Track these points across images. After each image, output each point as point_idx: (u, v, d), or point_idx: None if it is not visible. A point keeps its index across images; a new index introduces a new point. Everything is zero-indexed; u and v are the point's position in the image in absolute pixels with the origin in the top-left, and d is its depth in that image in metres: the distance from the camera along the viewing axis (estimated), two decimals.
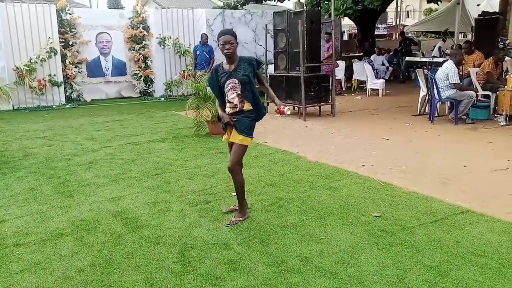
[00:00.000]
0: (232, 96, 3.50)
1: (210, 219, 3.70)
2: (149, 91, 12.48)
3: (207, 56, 10.85)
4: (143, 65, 12.27)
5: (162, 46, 12.28)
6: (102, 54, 12.11)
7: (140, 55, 12.19)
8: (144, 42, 12.19)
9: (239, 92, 3.49)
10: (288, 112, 3.36)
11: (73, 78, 11.45)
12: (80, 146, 6.61)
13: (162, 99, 12.22)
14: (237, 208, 3.73)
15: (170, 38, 12.29)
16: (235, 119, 3.54)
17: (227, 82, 3.50)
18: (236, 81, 3.48)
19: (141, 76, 12.31)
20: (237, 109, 3.52)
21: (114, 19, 12.24)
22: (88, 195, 4.40)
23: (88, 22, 11.74)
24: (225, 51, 3.43)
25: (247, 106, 3.53)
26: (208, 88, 8.19)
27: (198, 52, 10.83)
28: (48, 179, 4.97)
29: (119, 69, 12.39)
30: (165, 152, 6.09)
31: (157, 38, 12.25)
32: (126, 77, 12.48)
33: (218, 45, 3.50)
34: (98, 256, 3.10)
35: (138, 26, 12.14)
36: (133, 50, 12.23)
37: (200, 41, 11.01)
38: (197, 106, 6.91)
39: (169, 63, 12.42)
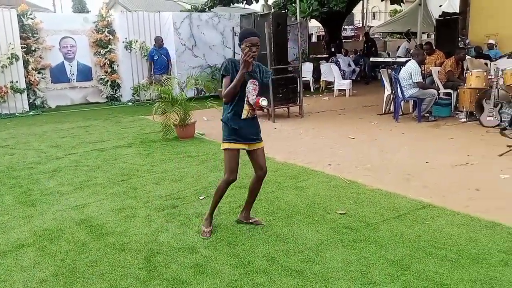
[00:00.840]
0: (252, 97, 3.19)
1: (177, 224, 3.68)
2: (116, 96, 12.27)
3: (166, 58, 10.76)
4: (109, 70, 12.05)
5: (129, 50, 12.11)
6: (66, 59, 11.83)
7: (106, 60, 11.97)
8: (110, 46, 11.98)
9: (257, 94, 3.24)
10: (264, 103, 3.16)
11: (37, 85, 11.12)
12: (43, 154, 6.44)
13: (130, 103, 12.04)
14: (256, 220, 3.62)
15: (137, 42, 12.12)
16: (252, 124, 3.32)
17: (249, 81, 3.20)
18: (257, 83, 3.26)
19: (107, 81, 12.09)
20: (255, 113, 3.30)
21: (78, 23, 11.97)
22: (52, 204, 4.30)
23: (51, 26, 11.44)
24: (252, 54, 3.08)
25: (258, 98, 3.22)
26: (177, 90, 8.18)
27: (156, 57, 10.61)
28: (9, 188, 4.82)
29: (85, 74, 12.13)
30: (132, 157, 6.01)
31: (123, 42, 12.07)
32: (92, 82, 12.22)
33: (239, 45, 3.17)
34: (61, 266, 3.03)
35: (104, 30, 11.92)
36: (99, 55, 12.00)
37: (155, 45, 10.75)
38: (164, 110, 6.85)
39: (136, 67, 12.25)
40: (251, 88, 3.20)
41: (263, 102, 3.14)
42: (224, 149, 3.29)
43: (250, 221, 3.59)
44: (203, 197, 4.28)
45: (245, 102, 3.21)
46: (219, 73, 3.29)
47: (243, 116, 3.24)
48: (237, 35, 9.85)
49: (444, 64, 8.71)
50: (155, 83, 9.43)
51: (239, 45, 3.19)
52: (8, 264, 3.09)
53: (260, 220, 3.61)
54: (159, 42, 10.72)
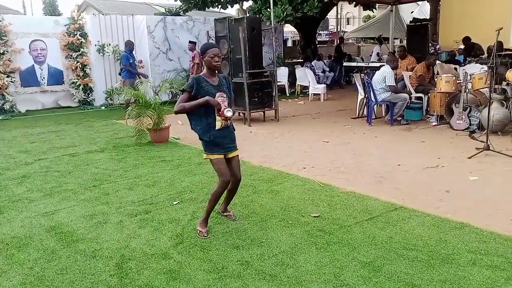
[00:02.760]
0: (224, 107, 3.34)
1: (150, 229, 3.62)
2: (88, 100, 12.05)
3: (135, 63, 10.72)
4: (81, 73, 11.82)
5: (102, 54, 11.93)
6: (36, 62, 11.55)
7: (78, 63, 11.75)
8: (82, 49, 11.77)
9: (226, 105, 3.37)
10: (229, 114, 3.38)
11: (5, 88, 10.80)
12: (12, 159, 6.25)
13: (103, 108, 11.85)
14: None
15: (110, 45, 11.96)
16: (226, 134, 3.47)
17: (217, 95, 3.34)
18: (224, 96, 3.40)
19: (79, 84, 11.86)
20: (228, 123, 3.44)
21: (49, 26, 11.72)
22: (20, 210, 4.17)
23: (21, 29, 11.16)
24: (215, 63, 3.32)
25: (224, 108, 3.35)
26: (151, 94, 8.09)
27: (131, 60, 10.38)
28: None
29: (56, 78, 11.86)
30: (104, 162, 5.90)
31: (95, 45, 11.88)
32: (64, 86, 11.97)
33: (203, 58, 3.37)
34: (30, 274, 2.94)
35: (75, 33, 11.71)
36: (71, 58, 11.77)
37: (128, 48, 10.47)
38: (137, 114, 6.75)
39: (109, 71, 12.08)
40: (220, 100, 3.34)
41: (228, 113, 3.32)
42: (209, 159, 3.47)
43: (225, 213, 3.84)
44: (176, 202, 4.23)
45: (217, 113, 3.35)
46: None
47: (217, 127, 3.39)
48: (212, 39, 9.88)
49: (416, 69, 8.91)
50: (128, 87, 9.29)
51: (202, 59, 3.42)
52: None
53: (233, 215, 3.82)
54: (131, 46, 10.56)
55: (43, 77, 11.69)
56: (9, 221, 3.91)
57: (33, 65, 11.50)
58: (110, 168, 5.60)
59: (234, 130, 3.60)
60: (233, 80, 8.73)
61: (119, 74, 10.68)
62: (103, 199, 4.39)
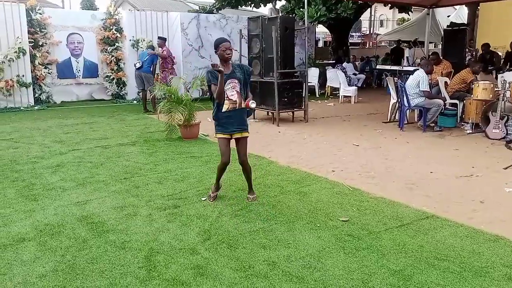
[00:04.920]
0: (232, 93, 3.87)
1: (178, 224, 3.66)
2: (121, 94, 12.29)
3: None
4: (115, 67, 12.07)
5: (136, 49, 12.13)
6: (73, 55, 11.87)
7: (113, 57, 12.00)
8: (117, 44, 12.01)
9: (238, 90, 3.89)
10: (253, 105, 3.82)
11: (43, 79, 11.15)
12: (47, 148, 6.44)
13: (135, 102, 12.05)
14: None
15: (144, 40, 12.16)
16: (233, 116, 3.92)
17: (228, 82, 3.82)
18: (236, 81, 3.88)
19: (113, 78, 12.12)
20: (237, 106, 3.89)
21: (86, 20, 12.02)
22: (54, 199, 4.29)
23: (59, 22, 11.49)
24: (227, 55, 3.81)
25: (244, 105, 3.90)
26: (182, 90, 8.21)
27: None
28: (12, 182, 4.82)
29: (91, 71, 12.16)
30: (135, 155, 6.01)
31: (130, 40, 12.10)
32: (98, 79, 12.26)
33: (216, 51, 3.84)
34: (61, 261, 3.02)
35: (111, 27, 11.96)
36: (106, 52, 12.03)
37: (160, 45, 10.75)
38: (169, 109, 6.85)
39: None
40: (230, 87, 3.85)
41: (252, 104, 3.85)
42: (217, 138, 4.03)
43: (248, 194, 4.25)
44: (205, 198, 4.26)
45: (225, 98, 3.84)
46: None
47: (224, 109, 3.89)
48: (244, 38, 9.90)
49: (463, 77, 8.50)
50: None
51: (215, 52, 3.87)
52: (9, 257, 3.08)
53: (252, 198, 4.19)
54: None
55: (79, 70, 12.00)
56: (43, 208, 4.03)
57: (70, 57, 11.82)
58: (140, 161, 5.69)
59: (248, 111, 4.07)
60: (263, 79, 8.77)
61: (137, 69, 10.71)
62: (134, 192, 4.47)
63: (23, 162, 5.64)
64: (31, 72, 10.89)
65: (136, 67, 10.24)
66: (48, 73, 11.33)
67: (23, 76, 10.70)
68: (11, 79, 10.51)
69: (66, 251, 3.18)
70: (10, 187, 4.63)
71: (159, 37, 11.28)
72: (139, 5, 25.27)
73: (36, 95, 11.13)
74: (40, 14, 11.08)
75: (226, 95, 3.83)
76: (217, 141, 4.14)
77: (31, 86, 10.92)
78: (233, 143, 4.07)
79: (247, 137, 4.04)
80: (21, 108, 10.66)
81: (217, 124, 3.98)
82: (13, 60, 10.51)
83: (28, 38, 10.75)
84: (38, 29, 11.02)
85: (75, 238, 3.39)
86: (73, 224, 3.66)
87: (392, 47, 18.92)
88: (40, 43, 11.09)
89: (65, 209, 4.01)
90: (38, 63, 11.02)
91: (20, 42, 10.55)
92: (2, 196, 4.36)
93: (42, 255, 3.11)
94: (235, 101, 3.86)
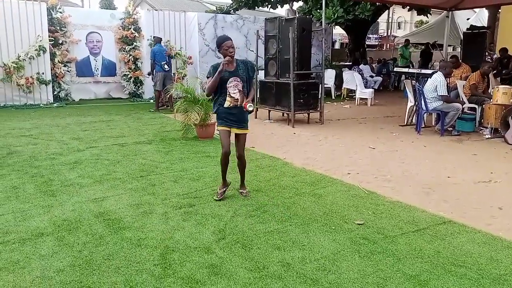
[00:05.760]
0: (234, 91, 4.04)
1: (193, 222, 3.69)
2: (138, 93, 12.43)
3: None
4: (133, 67, 12.22)
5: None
6: (92, 54, 12.04)
7: (131, 56, 12.15)
8: (135, 43, 12.16)
9: (240, 88, 4.05)
10: (250, 109, 3.99)
11: (62, 77, 11.35)
12: (65, 145, 6.55)
13: (152, 101, 12.14)
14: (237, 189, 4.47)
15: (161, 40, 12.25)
16: (235, 113, 4.09)
17: (230, 79, 4.00)
18: (238, 79, 4.05)
19: (131, 77, 12.26)
20: (238, 103, 4.05)
21: (105, 19, 12.19)
22: (71, 195, 4.36)
23: (79, 21, 11.68)
24: (229, 53, 3.94)
25: (246, 103, 4.04)
26: (198, 90, 8.25)
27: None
28: (31, 177, 4.91)
29: (109, 69, 12.33)
30: (151, 154, 6.06)
31: (148, 40, 12.22)
32: (116, 77, 12.42)
33: (219, 50, 4.02)
34: (78, 257, 3.06)
35: (129, 27, 12.10)
36: (124, 51, 12.18)
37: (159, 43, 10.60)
38: (185, 109, 6.90)
39: None
40: (232, 84, 4.02)
41: (250, 107, 4.02)
42: (218, 129, 4.20)
43: (240, 190, 4.43)
44: (219, 198, 4.27)
45: (227, 95, 4.03)
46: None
47: (226, 105, 4.06)
48: (261, 38, 9.91)
49: (469, 78, 8.54)
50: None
51: (218, 51, 4.05)
52: (27, 251, 3.14)
53: (245, 193, 4.37)
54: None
55: (97, 68, 12.17)
56: (61, 204, 4.10)
57: (89, 56, 12.00)
58: (157, 160, 5.74)
59: (251, 112, 4.16)
60: (279, 80, 8.77)
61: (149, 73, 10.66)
62: (150, 190, 4.51)
63: (42, 158, 5.74)
64: (51, 70, 11.10)
65: (166, 69, 10.22)
66: (67, 71, 11.53)
67: (43, 73, 10.91)
68: (31, 77, 10.72)
69: (83, 246, 3.23)
70: (29, 183, 4.72)
71: (155, 37, 11.22)
72: (157, 5, 25.49)
73: (55, 92, 11.34)
74: (61, 13, 11.29)
75: (228, 92, 4.02)
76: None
77: (51, 83, 11.13)
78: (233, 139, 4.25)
79: (246, 133, 4.23)
80: (41, 105, 10.86)
81: (218, 118, 4.18)
82: (33, 58, 10.72)
83: (49, 37, 10.95)
84: (58, 28, 11.22)
85: (92, 234, 3.44)
86: (90, 220, 3.71)
87: (420, 50, 18.73)
88: (60, 42, 11.28)
89: (83, 205, 4.07)
90: (58, 61, 11.22)
91: (40, 40, 10.77)
92: (22, 191, 4.44)
93: (59, 250, 3.16)
94: (237, 99, 4.05)
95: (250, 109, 4.01)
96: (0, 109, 10.32)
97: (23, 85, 10.62)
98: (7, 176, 4.92)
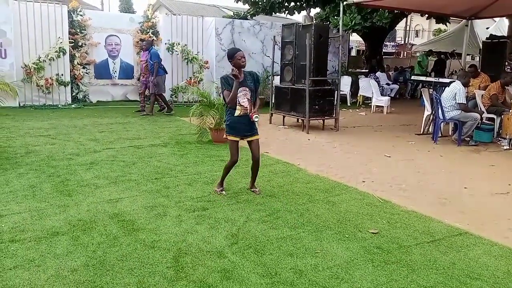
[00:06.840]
0: (243, 100, 4.25)
1: (206, 226, 3.69)
2: None
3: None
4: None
5: (170, 52, 12.35)
6: (110, 56, 12.20)
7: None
8: (152, 47, 12.25)
9: (249, 97, 4.27)
10: (256, 119, 4.20)
11: (80, 79, 11.52)
12: (82, 146, 6.63)
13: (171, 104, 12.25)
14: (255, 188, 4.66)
15: (179, 44, 12.37)
16: (245, 121, 4.31)
17: (240, 89, 4.21)
18: (247, 89, 4.27)
19: None
20: (247, 111, 4.25)
21: (125, 22, 12.35)
22: (87, 195, 4.41)
23: (99, 24, 11.85)
24: (242, 63, 4.22)
25: (252, 114, 4.25)
26: (214, 95, 8.31)
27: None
28: (48, 177, 4.98)
29: (127, 72, 12.47)
30: (166, 157, 6.10)
31: (165, 43, 12.34)
32: (133, 80, 12.55)
33: (231, 61, 4.23)
34: (92, 257, 3.09)
35: (148, 31, 12.24)
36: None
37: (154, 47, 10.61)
38: (201, 113, 6.94)
39: (176, 69, 12.48)
40: (242, 94, 4.24)
41: (255, 118, 4.23)
42: (228, 139, 4.39)
43: (252, 189, 4.63)
44: (233, 202, 4.28)
45: (238, 104, 4.24)
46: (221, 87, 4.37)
47: (236, 114, 4.27)
48: (277, 44, 9.94)
49: (489, 88, 8.43)
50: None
51: (230, 62, 4.25)
52: (43, 250, 3.18)
53: (258, 191, 4.59)
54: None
55: (115, 71, 12.32)
56: (76, 204, 4.15)
57: (107, 58, 12.16)
58: (171, 162, 5.78)
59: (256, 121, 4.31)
60: (294, 86, 8.77)
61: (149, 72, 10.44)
62: (164, 192, 4.54)
63: (59, 158, 5.83)
64: (70, 71, 11.28)
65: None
66: (86, 73, 11.70)
67: (62, 75, 11.10)
68: (50, 78, 10.92)
69: (97, 247, 3.26)
70: (46, 182, 4.79)
71: (144, 40, 11.24)
72: (175, 9, 25.75)
73: (74, 93, 11.52)
74: (81, 15, 11.47)
75: (238, 101, 4.23)
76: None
77: (69, 85, 11.31)
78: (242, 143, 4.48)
79: (258, 139, 4.46)
80: (59, 106, 11.04)
81: (229, 127, 4.36)
82: (53, 59, 10.91)
83: (69, 39, 11.13)
84: (78, 30, 11.40)
85: (106, 235, 3.47)
86: (104, 221, 3.75)
87: (435, 59, 18.57)
88: (80, 44, 11.46)
89: (98, 205, 4.12)
90: (77, 63, 11.40)
91: (61, 42, 10.96)
92: (39, 190, 4.51)
93: (74, 250, 3.20)
94: (246, 107, 4.26)
95: (256, 119, 4.23)
96: (20, 109, 10.52)
97: (42, 85, 10.82)
98: (25, 175, 5.00)
